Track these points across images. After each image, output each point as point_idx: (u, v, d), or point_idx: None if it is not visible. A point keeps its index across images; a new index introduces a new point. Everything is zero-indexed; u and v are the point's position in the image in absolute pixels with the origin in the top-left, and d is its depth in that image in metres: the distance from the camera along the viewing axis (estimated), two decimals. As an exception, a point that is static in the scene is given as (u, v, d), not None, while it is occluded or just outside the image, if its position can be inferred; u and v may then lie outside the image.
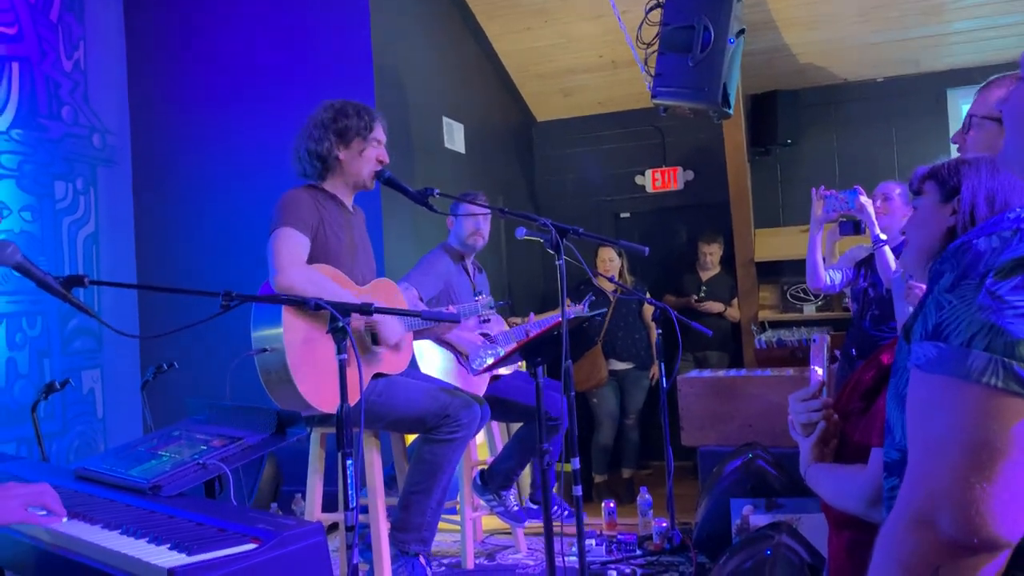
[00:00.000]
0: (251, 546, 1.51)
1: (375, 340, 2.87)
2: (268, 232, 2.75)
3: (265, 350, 2.58)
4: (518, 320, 4.44)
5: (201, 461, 1.98)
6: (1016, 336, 0.84)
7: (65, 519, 1.73)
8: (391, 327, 2.86)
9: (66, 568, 1.62)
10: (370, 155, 2.91)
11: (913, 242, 1.59)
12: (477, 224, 3.73)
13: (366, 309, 2.15)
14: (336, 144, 2.87)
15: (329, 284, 2.66)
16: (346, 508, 2.05)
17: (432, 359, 3.61)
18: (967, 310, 0.87)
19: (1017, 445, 0.83)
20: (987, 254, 0.89)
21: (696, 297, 5.71)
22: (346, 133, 2.86)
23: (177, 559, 1.47)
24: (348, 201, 2.98)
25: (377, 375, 2.86)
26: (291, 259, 2.66)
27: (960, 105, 5.61)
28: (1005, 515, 0.83)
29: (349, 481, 2.02)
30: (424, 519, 2.89)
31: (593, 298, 4.25)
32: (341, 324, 2.05)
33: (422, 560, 2.91)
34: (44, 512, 1.70)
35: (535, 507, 3.76)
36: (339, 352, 2.09)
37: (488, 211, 3.43)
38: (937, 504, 0.85)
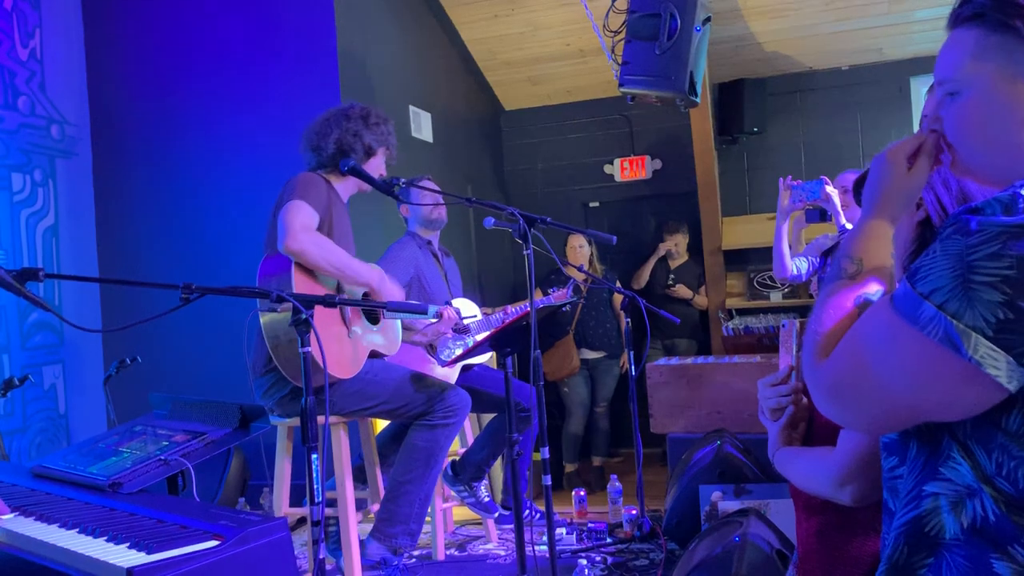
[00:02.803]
0: (213, 543, 1.48)
1: (373, 319, 2.90)
2: (275, 207, 2.78)
3: (283, 298, 2.45)
4: (488, 311, 4.41)
5: (163, 457, 1.94)
6: (969, 304, 0.88)
7: (9, 516, 1.68)
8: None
9: (22, 569, 1.58)
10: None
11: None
12: (435, 200, 3.73)
13: (329, 301, 2.11)
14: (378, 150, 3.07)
15: (340, 251, 2.73)
16: (312, 503, 2.02)
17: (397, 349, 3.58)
18: (943, 263, 0.91)
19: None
20: (979, 216, 0.92)
21: (668, 282, 5.74)
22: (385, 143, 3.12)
23: (136, 558, 1.43)
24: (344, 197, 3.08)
25: (374, 354, 2.87)
26: (303, 225, 2.67)
27: (923, 93, 5.66)
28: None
29: (315, 476, 1.99)
30: (413, 510, 2.88)
31: (575, 282, 4.24)
32: (304, 316, 1.99)
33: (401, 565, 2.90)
34: None
35: (507, 512, 3.76)
36: (302, 345, 2.03)
37: (439, 193, 3.41)
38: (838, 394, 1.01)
